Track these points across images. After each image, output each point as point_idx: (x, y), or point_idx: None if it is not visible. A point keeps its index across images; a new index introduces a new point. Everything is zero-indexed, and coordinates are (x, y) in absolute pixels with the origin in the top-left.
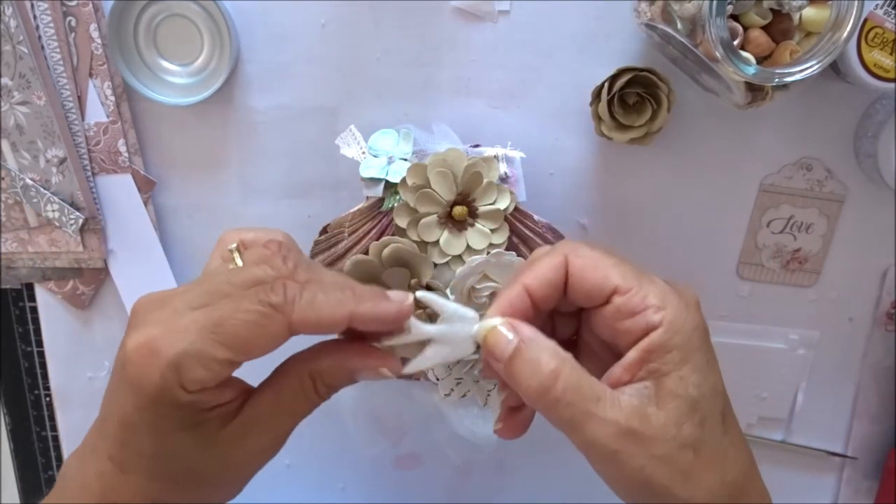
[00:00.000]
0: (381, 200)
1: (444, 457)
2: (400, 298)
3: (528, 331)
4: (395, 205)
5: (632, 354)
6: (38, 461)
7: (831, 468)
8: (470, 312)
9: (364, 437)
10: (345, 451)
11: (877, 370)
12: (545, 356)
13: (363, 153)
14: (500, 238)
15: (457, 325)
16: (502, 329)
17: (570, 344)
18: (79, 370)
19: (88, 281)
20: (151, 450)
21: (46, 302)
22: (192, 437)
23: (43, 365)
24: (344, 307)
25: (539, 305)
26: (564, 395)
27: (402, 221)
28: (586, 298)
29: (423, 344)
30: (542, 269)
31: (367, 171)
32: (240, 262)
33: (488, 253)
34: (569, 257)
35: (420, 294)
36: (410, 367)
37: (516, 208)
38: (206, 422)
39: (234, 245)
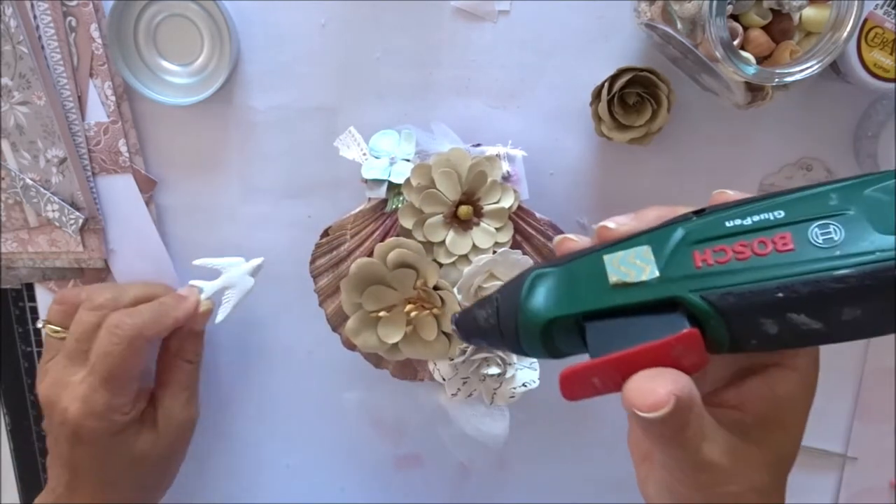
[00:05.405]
0: (384, 202)
1: (444, 457)
2: (190, 292)
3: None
4: (400, 206)
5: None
6: (38, 461)
7: (831, 468)
8: (236, 258)
9: (364, 437)
10: (345, 451)
11: (877, 370)
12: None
13: (364, 155)
14: (505, 236)
15: (232, 270)
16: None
17: None
18: None
19: (89, 281)
20: (94, 466)
21: (46, 302)
22: (116, 445)
23: None
24: (170, 316)
25: None
26: None
27: (407, 222)
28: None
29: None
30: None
31: (369, 173)
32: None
33: (494, 252)
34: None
35: (197, 261)
36: (220, 316)
37: (519, 206)
38: (125, 430)
39: (41, 324)
